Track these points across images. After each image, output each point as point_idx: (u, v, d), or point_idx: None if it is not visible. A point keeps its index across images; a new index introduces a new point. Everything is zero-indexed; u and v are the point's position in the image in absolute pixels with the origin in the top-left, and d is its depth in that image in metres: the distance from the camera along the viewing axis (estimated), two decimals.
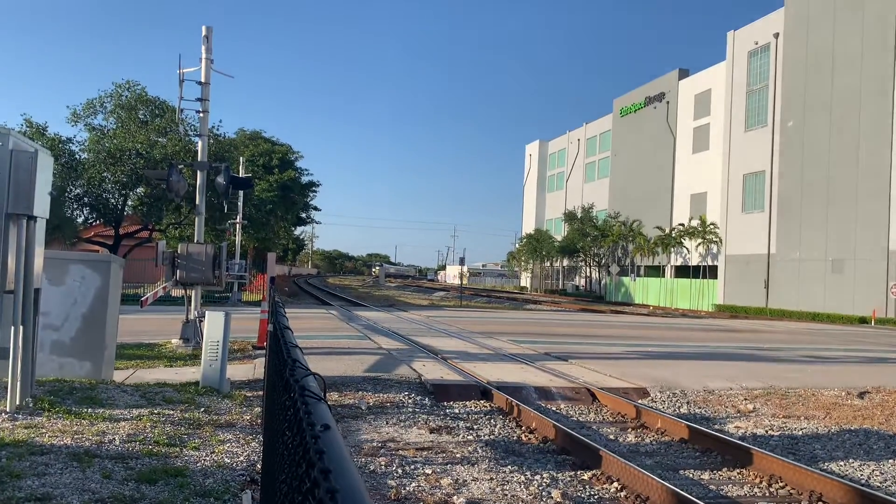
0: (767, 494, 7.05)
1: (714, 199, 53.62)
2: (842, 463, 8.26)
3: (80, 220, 41.03)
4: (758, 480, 7.42)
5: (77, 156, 38.75)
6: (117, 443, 7.22)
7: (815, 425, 10.14)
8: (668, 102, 60.85)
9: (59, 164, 35.01)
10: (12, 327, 8.19)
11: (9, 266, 8.12)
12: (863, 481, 7.52)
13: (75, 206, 39.92)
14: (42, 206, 8.53)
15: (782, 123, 46.51)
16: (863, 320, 38.07)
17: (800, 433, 9.68)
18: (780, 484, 7.24)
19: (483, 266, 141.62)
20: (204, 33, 16.72)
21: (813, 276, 43.12)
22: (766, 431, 9.75)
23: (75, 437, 7.31)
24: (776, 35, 47.37)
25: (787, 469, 7.34)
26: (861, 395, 12.54)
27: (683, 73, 59.85)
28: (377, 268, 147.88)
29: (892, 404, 11.75)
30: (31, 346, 8.61)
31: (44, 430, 7.46)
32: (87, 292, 10.94)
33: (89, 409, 8.55)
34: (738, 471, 7.77)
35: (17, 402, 8.25)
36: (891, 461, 8.37)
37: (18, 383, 8.25)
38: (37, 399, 8.66)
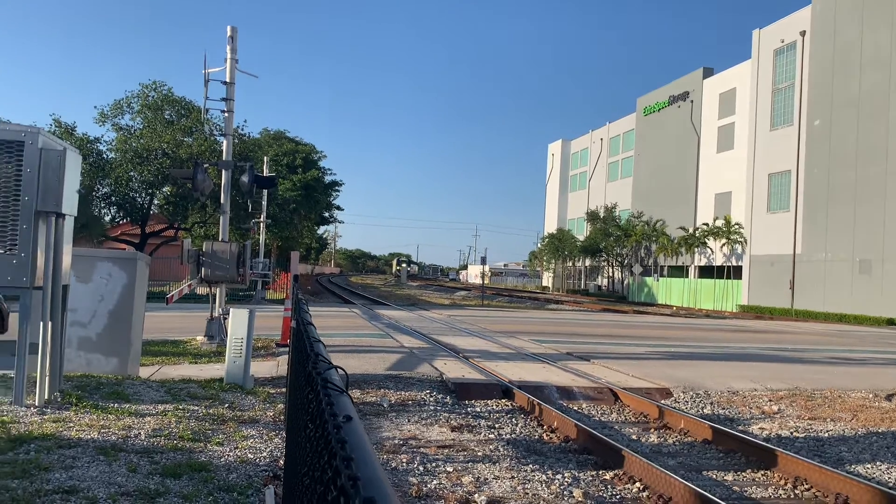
0: (792, 496, 6.97)
1: (739, 199, 53.06)
2: (869, 466, 8.15)
3: (107, 218, 41.65)
4: (782, 482, 7.34)
5: (104, 155, 39.33)
6: (143, 437, 7.32)
7: (841, 427, 10.01)
8: (692, 101, 60.32)
9: (86, 163, 35.56)
10: (41, 323, 8.33)
11: (38, 263, 8.26)
12: (890, 484, 7.42)
13: (103, 205, 40.53)
14: (70, 204, 8.67)
15: (809, 122, 45.91)
16: (891, 322, 37.46)
17: (825, 435, 9.57)
18: (806, 486, 7.16)
19: (505, 266, 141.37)
20: (229, 34, 16.87)
21: (840, 276, 42.51)
22: (791, 433, 9.64)
23: (102, 431, 7.42)
24: (802, 33, 46.76)
25: (813, 471, 7.26)
26: (889, 397, 12.35)
27: (708, 72, 59.27)
28: (403, 264, 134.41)
29: None
30: (59, 341, 8.76)
31: (71, 424, 7.58)
32: (114, 289, 11.09)
33: (116, 405, 8.67)
34: (762, 472, 7.69)
35: (46, 397, 8.39)
36: None
37: (47, 378, 8.40)
38: (65, 394, 8.80)
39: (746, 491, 7.10)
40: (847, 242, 42.14)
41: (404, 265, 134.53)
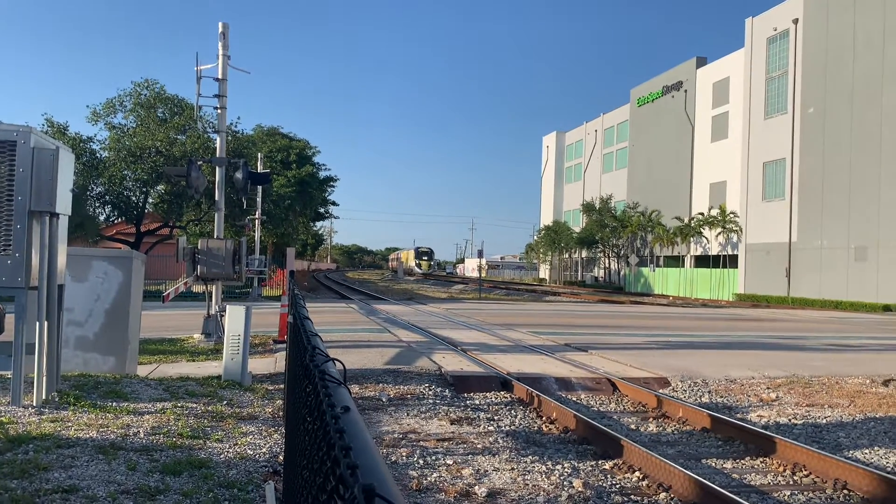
0: (791, 482, 7.00)
1: (734, 188, 53.10)
2: (867, 451, 8.18)
3: (102, 217, 41.49)
4: (781, 469, 7.37)
5: (98, 154, 39.15)
6: (142, 435, 7.30)
7: (839, 413, 10.05)
8: (685, 91, 60.28)
9: (80, 162, 35.41)
10: (37, 323, 8.30)
11: (32, 262, 8.23)
12: (888, 469, 7.45)
13: (97, 205, 40.36)
14: (64, 203, 8.63)
15: (802, 110, 45.92)
16: (887, 308, 37.57)
17: (823, 421, 9.60)
18: (804, 472, 7.18)
19: (501, 258, 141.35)
20: (220, 30, 16.80)
21: (835, 263, 42.60)
22: (790, 420, 9.67)
23: (101, 430, 7.40)
24: (795, 21, 46.75)
25: (811, 457, 7.28)
26: (886, 382, 12.39)
27: (701, 62, 59.23)
28: (424, 259, 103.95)
29: None
30: (55, 341, 8.73)
31: (70, 424, 7.57)
32: (110, 288, 11.06)
33: (114, 403, 8.66)
34: (761, 459, 7.72)
35: (44, 397, 8.37)
36: None
37: (44, 378, 8.37)
38: (62, 393, 8.78)
39: (746, 478, 7.12)
40: (842, 229, 42.23)
41: (425, 260, 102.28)
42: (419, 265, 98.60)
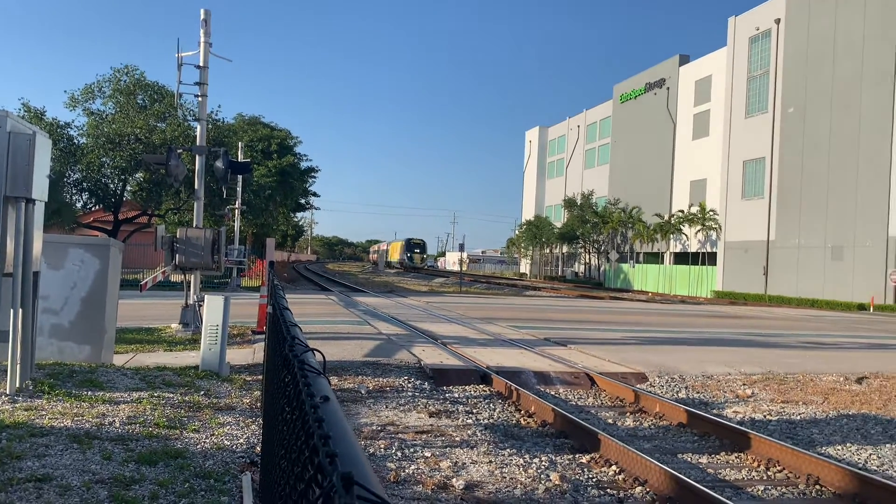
0: (765, 478, 7.08)
1: (714, 186, 53.52)
2: (839, 447, 8.29)
3: (79, 205, 40.95)
4: (756, 464, 7.45)
5: (76, 141, 38.61)
6: (117, 425, 7.23)
7: (813, 410, 10.18)
8: (668, 88, 60.60)
9: (57, 148, 34.89)
10: (11, 310, 8.18)
11: (7, 249, 8.10)
12: (860, 465, 7.56)
13: (74, 191, 39.83)
14: (40, 189, 8.50)
15: (783, 110, 46.36)
16: (861, 307, 38.11)
17: (798, 418, 9.72)
18: (778, 468, 7.27)
19: (483, 252, 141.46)
20: (202, 16, 16.60)
21: (812, 262, 43.13)
22: (765, 416, 9.78)
23: (75, 419, 7.32)
24: (777, 21, 47.13)
25: (785, 453, 7.37)
26: (859, 380, 12.58)
27: (684, 59, 59.55)
28: (416, 252, 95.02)
29: (890, 389, 11.79)
30: (30, 329, 8.61)
31: (44, 413, 7.47)
32: (87, 276, 10.93)
33: (89, 392, 8.56)
34: (736, 455, 7.80)
35: (17, 385, 8.26)
36: (888, 445, 8.40)
37: (18, 366, 8.26)
38: (36, 382, 8.67)
39: (721, 473, 7.20)
40: (820, 229, 42.74)
41: (418, 253, 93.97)
42: (411, 258, 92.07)
